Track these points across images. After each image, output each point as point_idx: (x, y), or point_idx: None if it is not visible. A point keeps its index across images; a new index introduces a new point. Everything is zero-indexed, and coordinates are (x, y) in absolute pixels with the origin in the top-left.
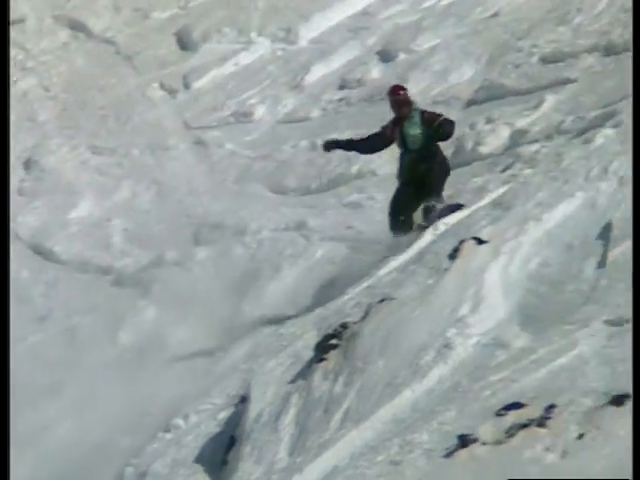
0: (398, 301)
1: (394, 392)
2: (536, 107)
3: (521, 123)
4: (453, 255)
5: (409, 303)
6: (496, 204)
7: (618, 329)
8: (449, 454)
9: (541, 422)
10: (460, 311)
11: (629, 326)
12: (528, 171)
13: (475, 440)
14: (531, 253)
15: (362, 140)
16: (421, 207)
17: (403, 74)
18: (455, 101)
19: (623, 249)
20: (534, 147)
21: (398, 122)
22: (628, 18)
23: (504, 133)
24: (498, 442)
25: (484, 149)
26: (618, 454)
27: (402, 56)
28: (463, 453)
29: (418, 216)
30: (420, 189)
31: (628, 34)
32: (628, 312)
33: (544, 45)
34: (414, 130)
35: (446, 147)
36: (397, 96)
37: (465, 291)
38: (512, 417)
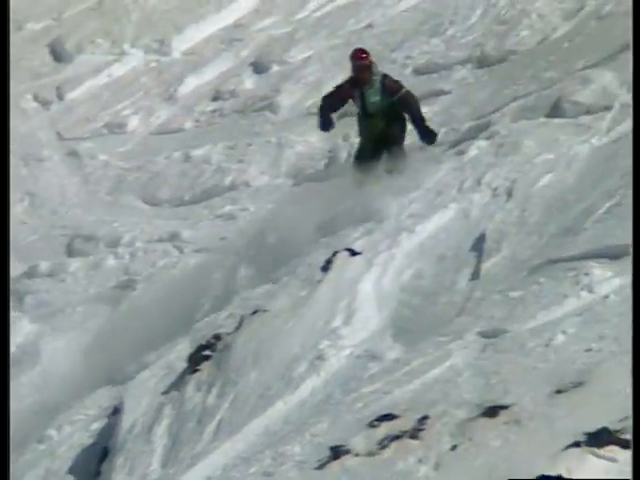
0: (271, 313)
1: (267, 404)
2: None
3: None
4: (326, 267)
5: (282, 315)
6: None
7: (492, 341)
8: (321, 466)
9: (414, 434)
10: (333, 323)
11: (503, 337)
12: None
13: (347, 452)
14: (404, 265)
15: (326, 106)
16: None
17: (276, 85)
18: None
19: (496, 260)
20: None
21: (356, 84)
22: (501, 30)
23: None
24: (370, 454)
25: None
26: (491, 465)
27: (275, 67)
28: (335, 465)
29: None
30: (380, 145)
31: (501, 45)
32: (502, 324)
33: (417, 57)
34: (374, 97)
35: (323, 158)
36: (360, 61)
37: (338, 303)
38: (385, 429)
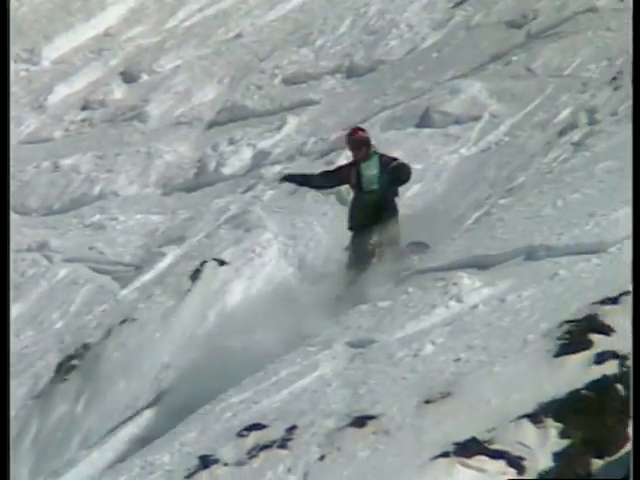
0: (139, 322)
1: (135, 413)
2: (278, 128)
3: (264, 144)
4: (194, 276)
5: (150, 324)
6: (237, 225)
7: (360, 351)
8: (190, 475)
9: (282, 443)
10: (200, 331)
11: (371, 347)
12: (270, 192)
13: (216, 461)
14: (273, 274)
15: (318, 176)
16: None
17: (146, 95)
18: (198, 122)
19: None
20: (276, 168)
21: (355, 163)
22: (370, 40)
23: (247, 154)
24: (239, 463)
25: (227, 170)
26: (359, 476)
27: (145, 77)
28: (204, 474)
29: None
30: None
31: (370, 56)
32: (370, 334)
33: (286, 66)
34: (371, 171)
35: (192, 167)
36: (356, 135)
37: (206, 312)
38: (253, 438)
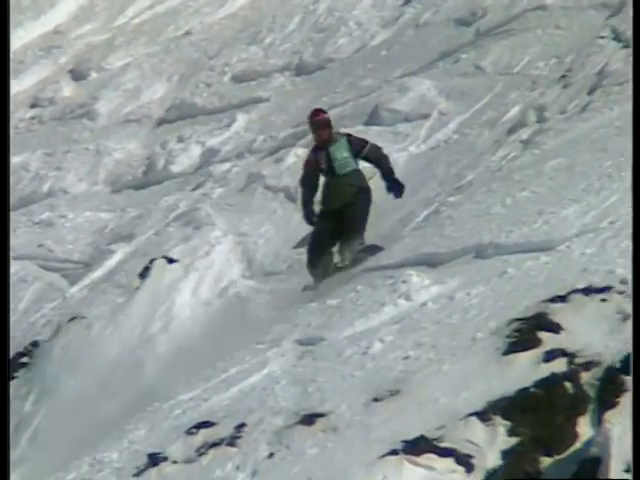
0: (88, 320)
1: (84, 411)
2: (228, 126)
3: (213, 142)
4: (144, 274)
5: (99, 322)
6: (186, 223)
7: (309, 348)
8: (139, 473)
9: (231, 441)
10: (151, 330)
11: (320, 345)
12: (219, 190)
13: (165, 459)
14: (222, 272)
15: (305, 188)
16: (339, 246)
17: (95, 93)
18: (147, 120)
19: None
20: (225, 166)
21: (321, 148)
22: (319, 37)
23: (195, 152)
24: (188, 461)
25: (175, 168)
26: (308, 473)
27: (94, 75)
28: (153, 472)
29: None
30: (341, 224)
31: (319, 53)
32: (319, 331)
33: (236, 64)
34: (341, 154)
35: (141, 165)
36: (317, 117)
37: (156, 310)
38: (202, 436)
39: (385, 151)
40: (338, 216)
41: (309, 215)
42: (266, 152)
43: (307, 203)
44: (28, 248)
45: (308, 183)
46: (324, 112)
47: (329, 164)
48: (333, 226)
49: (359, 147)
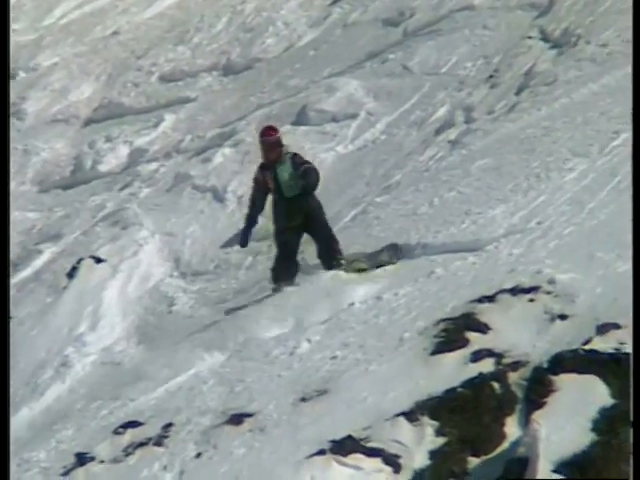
0: (16, 320)
1: (12, 410)
2: (155, 126)
3: (140, 142)
4: (71, 274)
5: (27, 322)
6: (114, 222)
7: (236, 348)
8: (66, 472)
9: (158, 441)
10: (78, 329)
11: (247, 345)
12: (147, 190)
13: (92, 458)
14: (149, 271)
15: (253, 208)
16: (327, 258)
17: (23, 92)
18: (74, 119)
19: (243, 270)
20: (153, 166)
21: (268, 167)
22: (247, 37)
23: (123, 152)
24: (115, 460)
25: (103, 167)
26: (235, 473)
27: (22, 74)
28: (80, 472)
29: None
30: (299, 237)
31: (247, 53)
32: (245, 332)
33: (163, 64)
34: (287, 176)
35: (69, 165)
36: (268, 137)
37: (83, 309)
38: (129, 436)
39: (317, 173)
40: (297, 232)
41: (245, 235)
42: (193, 152)
43: (250, 222)
44: None
45: (256, 203)
46: (275, 131)
47: (277, 185)
48: (295, 238)
49: (298, 165)
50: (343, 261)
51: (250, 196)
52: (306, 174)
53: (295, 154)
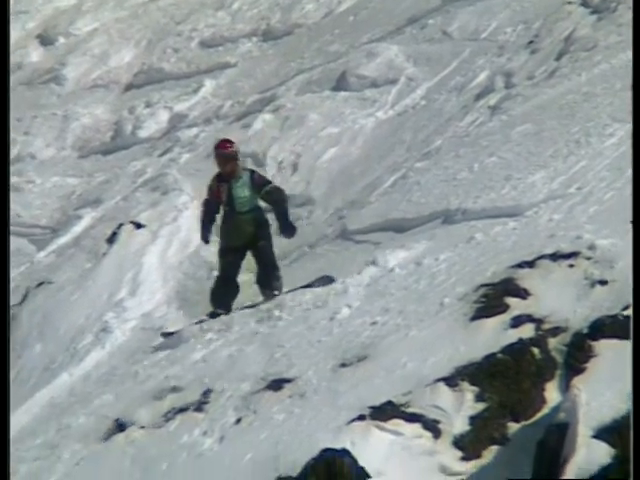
0: (56, 285)
1: (51, 376)
2: (195, 91)
3: (180, 107)
4: (111, 239)
5: (67, 287)
6: (154, 188)
7: (275, 314)
8: (106, 438)
9: (199, 406)
10: (118, 295)
11: (287, 310)
12: (187, 155)
13: (132, 424)
14: (189, 237)
15: (206, 213)
16: (261, 280)
17: (62, 58)
18: (114, 85)
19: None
20: (193, 131)
21: (224, 180)
22: (287, 3)
23: (163, 117)
24: (155, 426)
25: (143, 133)
26: (274, 438)
27: (62, 40)
28: (120, 437)
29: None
30: (242, 259)
31: (287, 19)
32: (285, 298)
33: (203, 29)
34: (243, 192)
35: (109, 130)
36: (223, 150)
37: (123, 275)
38: (169, 401)
39: (284, 194)
40: (241, 252)
41: (205, 235)
42: (233, 117)
43: (204, 225)
44: None
45: (208, 209)
46: (231, 144)
47: (229, 199)
48: (237, 261)
49: (260, 186)
50: (277, 292)
51: (202, 206)
52: (274, 195)
53: (253, 171)
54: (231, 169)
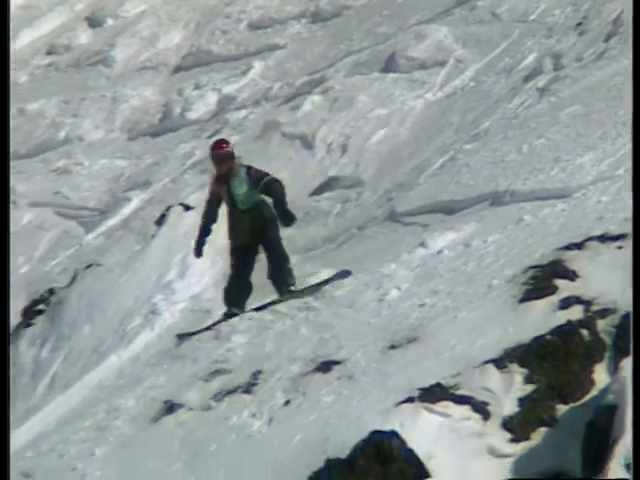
0: (105, 267)
1: (100, 358)
2: (244, 73)
3: (229, 89)
4: (160, 221)
5: (116, 269)
6: (203, 170)
7: (325, 295)
8: (155, 419)
9: (247, 388)
10: (167, 277)
11: (337, 292)
12: (235, 137)
13: (181, 406)
14: None
15: (207, 217)
16: (274, 276)
17: (111, 39)
18: (163, 67)
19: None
20: (242, 113)
21: (222, 179)
22: None
23: (212, 99)
24: (204, 408)
25: (192, 115)
26: (323, 420)
27: (110, 22)
28: (169, 419)
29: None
30: (254, 256)
31: (336, 0)
32: (334, 279)
33: (252, 11)
34: (242, 189)
35: (158, 112)
36: (218, 150)
37: (172, 257)
38: (219, 383)
39: (281, 184)
40: (252, 249)
41: (199, 246)
42: (282, 99)
43: (202, 234)
44: (44, 195)
45: (208, 215)
46: (226, 144)
47: (231, 198)
48: (248, 259)
49: (257, 180)
50: (293, 287)
51: (204, 207)
52: (270, 186)
53: (250, 167)
54: (228, 168)
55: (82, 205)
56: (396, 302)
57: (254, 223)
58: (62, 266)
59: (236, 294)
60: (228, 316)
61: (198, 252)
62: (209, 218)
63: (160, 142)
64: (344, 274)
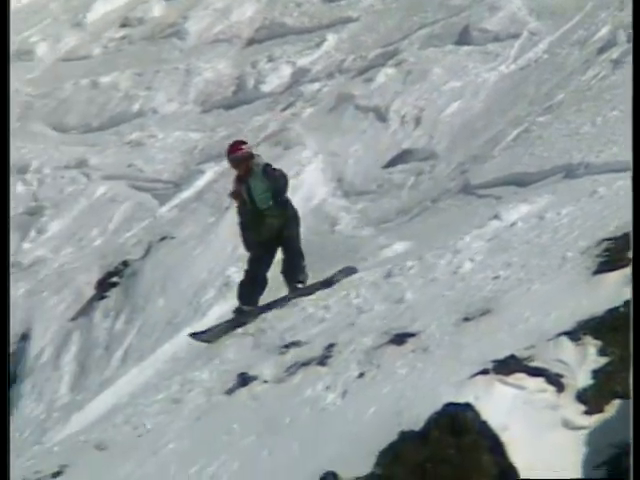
0: (178, 239)
1: (174, 330)
2: (318, 46)
3: (302, 62)
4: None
5: (189, 242)
6: (277, 142)
7: (398, 268)
8: (229, 392)
9: (322, 361)
10: (241, 249)
11: (410, 264)
12: (309, 110)
13: (255, 378)
14: (312, 191)
15: (242, 217)
16: (287, 272)
17: (184, 12)
18: (236, 39)
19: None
20: (316, 86)
21: (242, 179)
22: None
23: (286, 72)
24: (279, 380)
25: (266, 87)
26: (397, 392)
27: None
28: (243, 391)
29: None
30: (273, 252)
31: None
32: (408, 251)
33: None
34: (259, 185)
35: (231, 85)
36: (234, 153)
37: None
38: (292, 355)
39: (284, 176)
40: (270, 247)
41: (247, 241)
42: (356, 72)
43: (244, 229)
44: (118, 168)
45: (241, 211)
46: (243, 144)
47: (250, 198)
48: (265, 256)
49: (270, 177)
50: (302, 285)
51: (237, 210)
52: (275, 171)
53: (267, 164)
54: (245, 170)
55: (156, 178)
56: (470, 274)
57: (273, 221)
58: (136, 238)
59: (250, 291)
60: (238, 312)
61: (248, 245)
62: (244, 215)
63: (234, 115)
64: (350, 270)
